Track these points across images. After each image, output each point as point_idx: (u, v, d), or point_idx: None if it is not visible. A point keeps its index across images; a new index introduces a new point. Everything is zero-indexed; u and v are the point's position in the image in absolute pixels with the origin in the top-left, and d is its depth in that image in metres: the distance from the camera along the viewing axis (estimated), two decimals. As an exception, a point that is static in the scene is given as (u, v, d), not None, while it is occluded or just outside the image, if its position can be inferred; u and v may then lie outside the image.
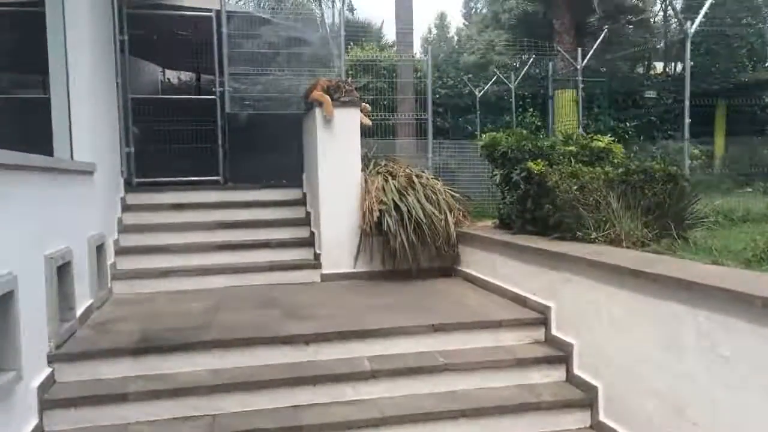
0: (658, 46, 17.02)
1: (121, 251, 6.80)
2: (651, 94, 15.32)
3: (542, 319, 4.99)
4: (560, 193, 5.37)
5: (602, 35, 11.95)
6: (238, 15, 8.66)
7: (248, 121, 8.39)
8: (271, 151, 8.15)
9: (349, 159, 6.97)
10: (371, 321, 5.00)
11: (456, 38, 36.14)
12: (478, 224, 7.46)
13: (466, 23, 38.38)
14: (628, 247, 4.82)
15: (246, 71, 8.35)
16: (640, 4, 17.51)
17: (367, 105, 7.48)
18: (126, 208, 7.36)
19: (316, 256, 7.09)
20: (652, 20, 18.47)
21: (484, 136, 6.84)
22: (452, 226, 6.93)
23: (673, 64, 19.43)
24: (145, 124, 8.12)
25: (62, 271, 4.61)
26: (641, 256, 4.38)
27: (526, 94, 14.75)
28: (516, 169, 6.05)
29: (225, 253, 7.00)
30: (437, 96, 13.18)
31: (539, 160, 5.77)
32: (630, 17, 16.31)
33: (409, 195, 6.89)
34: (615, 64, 15.57)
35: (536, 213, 5.86)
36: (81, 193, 5.51)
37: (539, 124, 14.16)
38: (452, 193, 7.35)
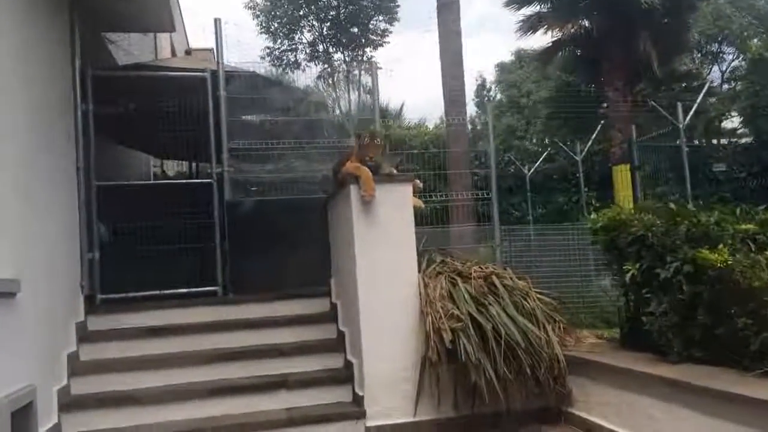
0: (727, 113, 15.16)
1: (71, 404, 4.65)
2: (720, 167, 13.35)
3: None
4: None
5: (704, 89, 10.02)
6: (239, 74, 6.67)
7: (255, 210, 6.26)
8: (286, 249, 6.00)
9: (400, 255, 4.86)
10: None
11: (470, 126, 35.05)
12: (584, 340, 5.25)
13: (479, 111, 37.58)
14: None
15: (251, 146, 6.28)
16: (694, 71, 15.90)
17: (419, 181, 5.43)
18: (85, 337, 5.23)
19: (357, 399, 4.84)
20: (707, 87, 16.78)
21: (594, 215, 4.75)
22: (557, 348, 4.69)
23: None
24: (117, 221, 6.01)
25: None
26: None
27: (575, 171, 12.88)
28: (670, 261, 3.91)
29: (222, 400, 4.82)
30: (476, 178, 11.26)
31: (721, 247, 3.61)
32: (684, 84, 14.62)
33: (491, 304, 4.70)
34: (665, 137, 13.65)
35: (717, 330, 3.68)
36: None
37: (597, 204, 12.14)
38: (543, 296, 5.18)
